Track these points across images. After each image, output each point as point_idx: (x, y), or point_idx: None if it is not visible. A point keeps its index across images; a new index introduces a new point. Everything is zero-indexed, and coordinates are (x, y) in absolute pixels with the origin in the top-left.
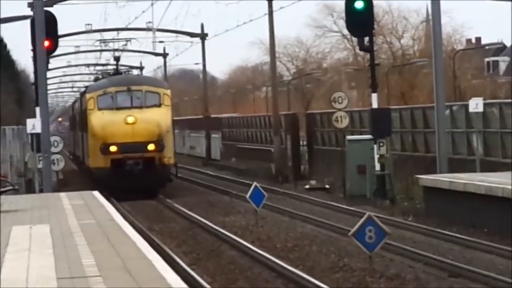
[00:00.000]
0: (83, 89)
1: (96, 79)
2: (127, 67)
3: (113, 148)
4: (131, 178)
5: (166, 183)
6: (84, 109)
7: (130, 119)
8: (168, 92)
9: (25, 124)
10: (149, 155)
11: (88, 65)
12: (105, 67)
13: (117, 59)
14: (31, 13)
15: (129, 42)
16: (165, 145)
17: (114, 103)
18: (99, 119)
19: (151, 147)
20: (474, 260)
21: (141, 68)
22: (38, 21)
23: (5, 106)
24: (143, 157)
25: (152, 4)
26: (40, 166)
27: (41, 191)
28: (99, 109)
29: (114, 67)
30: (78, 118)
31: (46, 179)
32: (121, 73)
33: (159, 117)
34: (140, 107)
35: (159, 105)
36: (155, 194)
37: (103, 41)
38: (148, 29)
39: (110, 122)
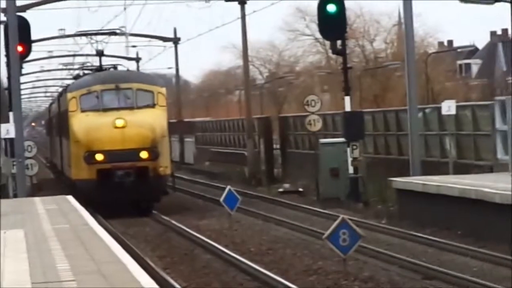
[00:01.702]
0: (59, 90)
1: (76, 77)
2: (111, 65)
3: (99, 157)
4: (121, 191)
5: (161, 196)
6: (64, 111)
7: (119, 122)
8: (163, 90)
9: None
10: (141, 164)
11: (65, 67)
12: (82, 66)
13: (100, 53)
14: (4, 18)
15: (111, 35)
16: (160, 153)
17: (100, 104)
18: (82, 122)
19: (144, 155)
20: (448, 262)
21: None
22: (11, 26)
23: None
24: (134, 167)
25: (124, 9)
26: (14, 171)
27: (15, 196)
28: (83, 110)
29: (98, 64)
30: (55, 121)
31: (20, 184)
32: (105, 70)
33: (153, 119)
34: (131, 108)
35: (153, 106)
36: (149, 210)
37: (85, 33)
38: (121, 34)
39: (96, 126)
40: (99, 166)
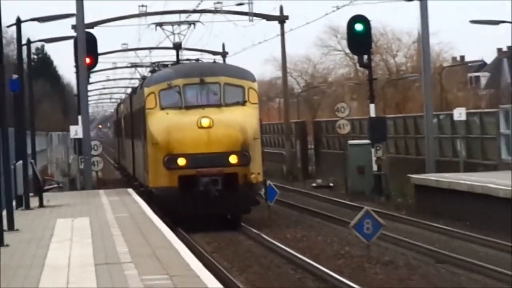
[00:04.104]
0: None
1: (152, 72)
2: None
3: (181, 161)
4: (206, 201)
5: (251, 207)
6: (138, 109)
7: (205, 122)
8: (255, 85)
9: (69, 131)
10: (230, 170)
11: (133, 66)
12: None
13: (177, 45)
14: (74, 34)
15: (192, 26)
16: (251, 157)
17: (182, 100)
18: (161, 121)
19: (233, 159)
20: (458, 248)
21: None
22: (80, 41)
23: (52, 115)
24: (222, 173)
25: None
26: (81, 167)
27: (82, 188)
28: (162, 108)
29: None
30: (126, 121)
31: (87, 178)
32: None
33: (243, 118)
34: (218, 106)
35: (243, 103)
36: (238, 223)
37: (160, 24)
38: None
39: (177, 126)
40: (181, 172)
